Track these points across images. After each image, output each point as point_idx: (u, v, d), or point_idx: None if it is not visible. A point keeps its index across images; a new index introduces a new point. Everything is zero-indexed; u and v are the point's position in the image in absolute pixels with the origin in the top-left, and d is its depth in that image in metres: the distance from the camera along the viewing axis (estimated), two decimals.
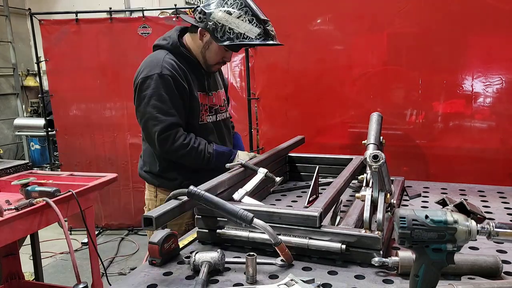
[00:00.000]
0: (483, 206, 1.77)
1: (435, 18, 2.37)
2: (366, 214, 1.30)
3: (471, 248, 1.37)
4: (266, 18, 1.90)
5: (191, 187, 1.35)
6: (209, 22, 1.89)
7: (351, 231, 1.31)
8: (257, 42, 1.89)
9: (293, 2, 2.68)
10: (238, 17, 1.87)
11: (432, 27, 2.39)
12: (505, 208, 1.77)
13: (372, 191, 1.33)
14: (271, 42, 1.91)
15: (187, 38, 2.08)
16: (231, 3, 1.88)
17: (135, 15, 5.36)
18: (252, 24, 1.87)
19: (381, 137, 1.66)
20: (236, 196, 1.64)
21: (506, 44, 2.28)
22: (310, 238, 1.32)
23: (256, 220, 1.28)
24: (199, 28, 1.96)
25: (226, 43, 1.89)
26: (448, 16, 2.34)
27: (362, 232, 1.29)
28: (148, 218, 1.26)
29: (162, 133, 1.91)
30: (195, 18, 1.96)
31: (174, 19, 4.73)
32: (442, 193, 1.99)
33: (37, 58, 4.99)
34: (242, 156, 2.06)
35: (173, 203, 1.37)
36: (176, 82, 1.94)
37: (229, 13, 1.87)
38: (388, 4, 2.46)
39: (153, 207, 2.07)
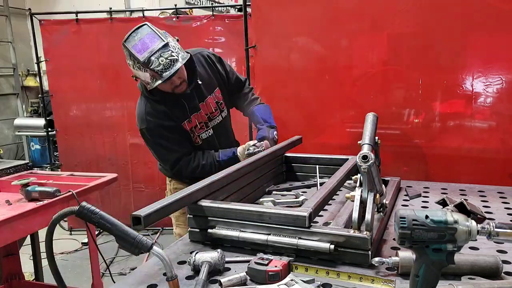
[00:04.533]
0: (483, 206, 1.77)
1: (435, 18, 2.37)
2: (355, 215, 1.30)
3: (471, 248, 1.37)
4: (145, 58, 1.88)
5: (84, 203, 1.17)
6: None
7: (339, 231, 1.31)
8: (154, 85, 1.96)
9: (293, 2, 2.67)
10: (134, 68, 1.96)
11: (432, 27, 2.38)
12: (505, 208, 1.77)
13: (361, 191, 1.33)
14: (159, 82, 1.94)
15: None
16: (126, 54, 1.96)
17: (135, 15, 5.37)
18: (142, 71, 1.93)
19: (377, 137, 1.66)
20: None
21: (506, 44, 2.27)
22: (300, 238, 1.32)
23: (155, 248, 1.13)
24: None
25: (149, 87, 2.02)
26: (448, 16, 2.34)
27: (351, 232, 1.29)
28: (136, 218, 1.22)
29: (173, 168, 2.21)
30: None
31: (174, 19, 4.73)
32: (442, 193, 1.99)
33: (37, 58, 4.99)
34: (241, 151, 2.21)
35: (161, 202, 1.34)
36: (162, 126, 2.14)
37: (130, 65, 1.98)
38: (388, 4, 2.46)
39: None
